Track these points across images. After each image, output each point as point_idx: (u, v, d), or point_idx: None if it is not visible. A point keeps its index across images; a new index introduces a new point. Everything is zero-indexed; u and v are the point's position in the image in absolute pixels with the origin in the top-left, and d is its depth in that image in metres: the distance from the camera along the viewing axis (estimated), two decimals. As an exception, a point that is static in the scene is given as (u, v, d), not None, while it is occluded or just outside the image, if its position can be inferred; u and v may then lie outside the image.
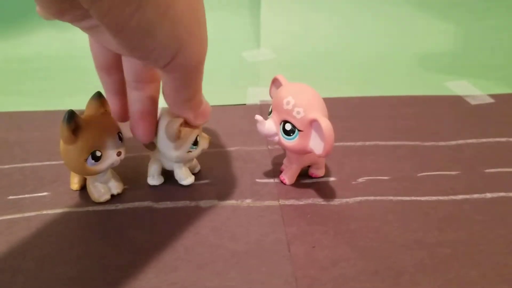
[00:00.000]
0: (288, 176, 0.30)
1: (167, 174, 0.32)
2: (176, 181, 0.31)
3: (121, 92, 0.27)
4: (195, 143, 0.28)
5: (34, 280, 0.23)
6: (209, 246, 0.25)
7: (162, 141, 0.27)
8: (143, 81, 0.25)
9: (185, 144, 0.27)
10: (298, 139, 0.27)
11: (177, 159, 0.28)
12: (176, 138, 0.26)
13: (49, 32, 0.63)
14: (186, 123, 0.27)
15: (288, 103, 0.27)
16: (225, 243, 0.25)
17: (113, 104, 0.28)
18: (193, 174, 0.31)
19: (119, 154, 0.26)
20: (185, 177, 0.30)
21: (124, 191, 0.30)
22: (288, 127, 0.27)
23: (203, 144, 0.29)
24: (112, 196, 0.29)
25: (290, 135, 0.27)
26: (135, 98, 0.26)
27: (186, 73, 0.21)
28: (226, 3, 0.66)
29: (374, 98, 0.45)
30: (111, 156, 0.26)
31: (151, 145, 0.29)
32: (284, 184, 0.30)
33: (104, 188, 0.28)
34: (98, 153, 0.25)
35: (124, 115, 0.28)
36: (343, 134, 0.37)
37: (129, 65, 0.25)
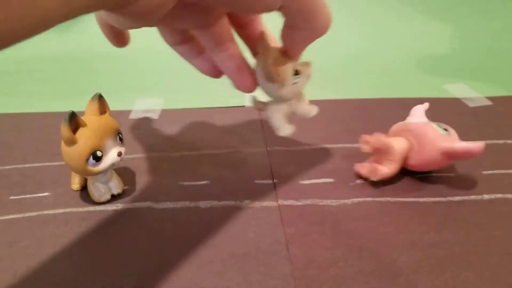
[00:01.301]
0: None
1: (169, 174, 0.32)
2: (176, 181, 0.31)
3: (203, 50, 0.27)
4: (296, 72, 0.26)
5: (35, 280, 0.23)
6: (207, 246, 0.25)
7: (267, 87, 0.26)
8: (224, 42, 0.25)
9: (286, 78, 0.26)
10: None
11: (287, 95, 0.27)
12: (276, 76, 0.25)
13: (49, 33, 0.63)
14: (278, 57, 0.25)
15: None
16: (223, 243, 0.25)
17: (202, 66, 0.27)
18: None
19: (119, 154, 0.27)
20: (283, 126, 0.28)
21: (124, 191, 0.30)
22: None
23: (306, 70, 0.27)
24: (113, 196, 0.29)
25: None
26: (224, 59, 0.26)
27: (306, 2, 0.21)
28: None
29: (372, 100, 0.45)
30: (111, 156, 0.26)
31: (262, 105, 0.28)
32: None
33: (105, 188, 0.28)
34: (98, 153, 0.26)
35: (217, 71, 0.27)
36: (341, 136, 0.38)
37: (205, 34, 0.25)
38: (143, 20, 0.17)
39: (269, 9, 0.20)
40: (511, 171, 0.32)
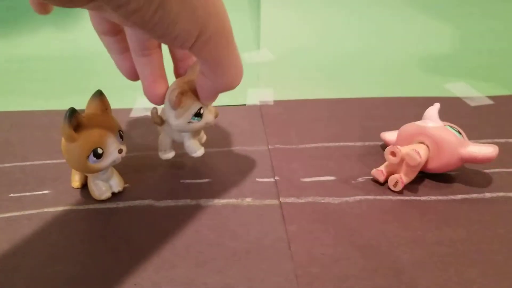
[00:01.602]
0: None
1: (170, 172, 0.32)
2: (177, 179, 0.31)
3: (129, 49, 0.27)
4: (198, 114, 0.27)
5: (35, 277, 0.23)
6: (209, 244, 0.25)
7: (166, 108, 0.27)
8: (148, 47, 0.25)
9: (185, 113, 0.27)
10: None
11: (177, 128, 0.28)
12: (176, 105, 0.26)
13: (49, 32, 0.63)
14: (192, 93, 0.27)
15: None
16: (225, 241, 0.25)
17: (122, 64, 0.27)
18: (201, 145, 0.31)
19: (120, 151, 0.27)
20: (195, 149, 0.30)
21: (125, 189, 0.30)
22: None
23: (208, 117, 0.28)
24: (113, 194, 0.29)
25: None
26: (144, 63, 0.26)
27: (213, 49, 0.21)
28: (225, 3, 0.66)
29: (373, 99, 0.45)
30: (112, 154, 0.26)
31: (159, 120, 0.29)
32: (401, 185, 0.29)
33: (105, 186, 0.28)
34: (99, 151, 0.25)
35: (136, 73, 0.27)
36: (342, 134, 0.37)
37: (133, 34, 0.25)
38: (68, 4, 0.17)
39: (180, 44, 0.20)
40: (513, 170, 0.32)
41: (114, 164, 0.27)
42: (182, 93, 0.26)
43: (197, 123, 0.28)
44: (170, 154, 0.31)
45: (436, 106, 0.31)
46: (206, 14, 0.19)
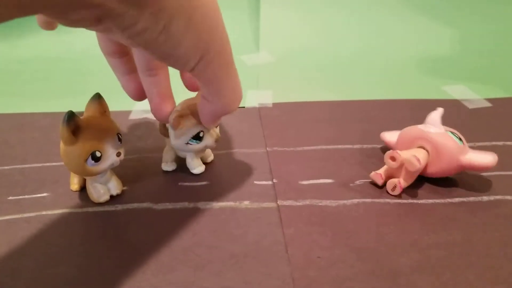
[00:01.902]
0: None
1: (168, 175, 0.32)
2: (175, 182, 0.31)
3: (134, 70, 0.27)
4: (197, 137, 0.29)
5: (34, 280, 0.23)
6: (207, 247, 0.25)
7: (169, 126, 0.29)
8: (155, 67, 0.26)
9: (184, 135, 0.28)
10: None
11: (175, 147, 0.30)
12: (174, 127, 0.28)
13: (48, 34, 0.63)
14: (194, 116, 0.28)
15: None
16: (223, 244, 0.25)
17: (128, 85, 0.28)
18: (206, 163, 0.33)
19: (118, 154, 0.27)
20: (194, 166, 0.31)
21: (123, 192, 0.30)
22: None
23: (208, 140, 0.29)
24: (112, 196, 0.29)
25: None
26: (151, 83, 0.26)
27: (213, 71, 0.22)
28: (225, 7, 0.66)
29: (372, 101, 0.45)
30: (110, 157, 0.26)
31: (166, 132, 0.30)
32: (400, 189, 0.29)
33: (104, 189, 0.28)
34: (98, 154, 0.26)
35: (141, 94, 0.28)
36: (340, 137, 0.38)
37: (141, 54, 0.25)
38: (76, 25, 0.17)
39: (182, 65, 0.20)
40: (510, 173, 0.32)
41: (112, 167, 0.27)
42: (181, 116, 0.28)
43: (196, 145, 0.29)
44: (171, 167, 0.32)
45: (439, 111, 0.31)
46: (209, 37, 0.20)
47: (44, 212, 0.28)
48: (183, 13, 0.17)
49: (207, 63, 0.20)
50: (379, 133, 0.35)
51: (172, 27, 0.17)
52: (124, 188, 0.30)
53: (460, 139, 0.30)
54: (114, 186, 0.29)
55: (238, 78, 0.24)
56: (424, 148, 0.30)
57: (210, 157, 0.33)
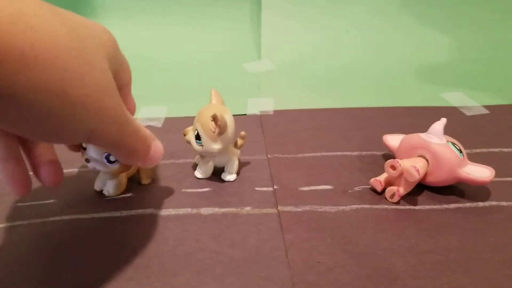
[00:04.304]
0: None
1: (171, 182, 0.33)
2: (179, 189, 0.32)
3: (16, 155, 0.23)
4: (197, 137, 0.30)
5: (41, 286, 0.24)
6: (209, 252, 0.26)
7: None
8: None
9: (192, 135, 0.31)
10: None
11: (218, 151, 0.31)
12: (224, 130, 0.30)
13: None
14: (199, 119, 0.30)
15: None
16: (225, 249, 0.26)
17: (11, 172, 0.23)
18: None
19: (87, 161, 0.28)
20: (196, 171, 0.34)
21: (128, 198, 0.31)
22: None
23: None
24: (118, 203, 0.30)
25: None
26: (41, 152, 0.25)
27: (110, 142, 0.21)
28: (227, 15, 0.67)
29: (371, 109, 0.46)
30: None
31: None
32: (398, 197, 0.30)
33: (100, 183, 0.31)
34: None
35: (27, 181, 0.24)
36: (340, 144, 0.38)
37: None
38: None
39: (69, 143, 0.20)
40: (505, 179, 0.33)
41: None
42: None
43: (197, 146, 0.31)
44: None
45: (443, 121, 0.31)
46: (97, 117, 0.19)
47: (51, 218, 0.29)
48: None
49: (97, 136, 0.20)
50: (378, 140, 0.36)
51: (51, 120, 0.17)
52: (129, 194, 0.31)
53: (460, 151, 0.30)
54: (110, 188, 0.30)
55: (140, 137, 0.23)
56: (424, 157, 0.31)
57: (209, 170, 0.33)
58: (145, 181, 0.32)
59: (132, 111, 0.27)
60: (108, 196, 0.31)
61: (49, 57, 0.16)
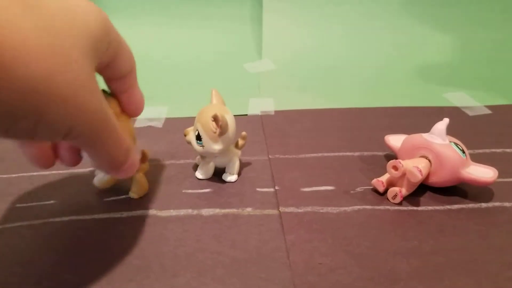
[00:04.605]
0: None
1: (172, 183, 0.33)
2: (179, 189, 0.32)
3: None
4: (198, 137, 0.30)
5: (40, 286, 0.23)
6: (210, 253, 0.26)
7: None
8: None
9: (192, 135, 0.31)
10: None
11: (220, 151, 0.31)
12: (225, 129, 0.29)
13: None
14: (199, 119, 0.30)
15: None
16: (226, 250, 0.26)
17: (34, 151, 0.24)
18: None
19: None
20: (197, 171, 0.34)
21: (129, 199, 0.31)
22: None
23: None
24: (118, 204, 0.30)
25: None
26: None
27: (88, 142, 0.20)
28: (228, 15, 0.67)
29: (373, 109, 0.46)
30: None
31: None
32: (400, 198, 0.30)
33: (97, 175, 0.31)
34: None
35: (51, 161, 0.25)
36: (341, 145, 0.38)
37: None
38: None
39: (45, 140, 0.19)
40: (508, 180, 0.33)
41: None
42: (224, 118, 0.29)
43: (197, 146, 0.30)
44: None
45: (445, 121, 0.31)
46: (78, 111, 0.18)
47: (51, 219, 0.29)
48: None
49: (75, 137, 0.19)
50: (380, 141, 0.36)
51: (27, 121, 0.17)
52: (129, 195, 0.31)
53: (463, 151, 0.30)
54: (97, 180, 0.31)
55: (120, 147, 0.22)
56: (426, 158, 0.31)
57: (210, 171, 0.33)
58: (133, 194, 0.31)
59: (140, 105, 0.26)
60: (108, 198, 0.31)
61: (13, 56, 0.15)
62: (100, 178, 0.31)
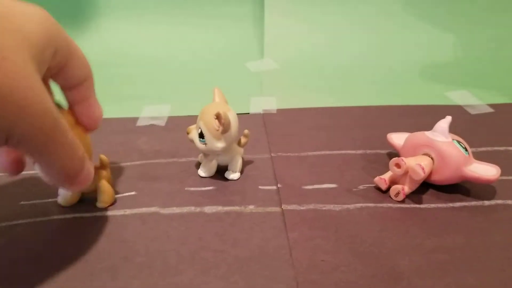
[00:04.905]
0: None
1: (174, 180, 0.33)
2: (182, 187, 0.32)
3: None
4: (201, 135, 0.30)
5: (42, 284, 0.23)
6: (213, 251, 0.26)
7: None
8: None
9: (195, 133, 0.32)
10: None
11: (222, 149, 0.31)
12: (227, 127, 0.29)
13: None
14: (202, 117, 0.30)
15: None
16: (228, 248, 0.26)
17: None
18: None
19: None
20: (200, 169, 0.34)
21: (132, 197, 0.31)
22: None
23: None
24: (120, 201, 0.30)
25: None
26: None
27: (35, 148, 0.19)
28: (230, 14, 0.67)
29: (375, 107, 0.46)
30: None
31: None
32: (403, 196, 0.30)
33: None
34: None
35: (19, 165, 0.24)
36: (345, 142, 0.38)
37: None
38: None
39: None
40: (511, 178, 0.32)
41: None
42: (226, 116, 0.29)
43: (200, 144, 0.30)
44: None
45: (448, 119, 0.31)
46: (18, 108, 0.17)
47: (54, 217, 0.29)
48: None
49: (18, 142, 0.18)
50: (382, 139, 0.36)
51: None
52: (133, 193, 0.31)
53: (466, 149, 0.30)
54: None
55: (71, 155, 0.21)
56: (429, 156, 0.31)
57: (213, 168, 0.33)
58: (101, 204, 0.29)
59: (96, 118, 0.25)
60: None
61: None
62: (64, 195, 0.29)
